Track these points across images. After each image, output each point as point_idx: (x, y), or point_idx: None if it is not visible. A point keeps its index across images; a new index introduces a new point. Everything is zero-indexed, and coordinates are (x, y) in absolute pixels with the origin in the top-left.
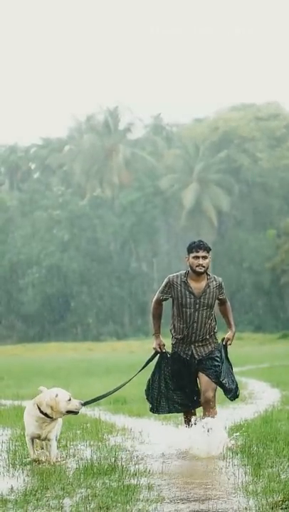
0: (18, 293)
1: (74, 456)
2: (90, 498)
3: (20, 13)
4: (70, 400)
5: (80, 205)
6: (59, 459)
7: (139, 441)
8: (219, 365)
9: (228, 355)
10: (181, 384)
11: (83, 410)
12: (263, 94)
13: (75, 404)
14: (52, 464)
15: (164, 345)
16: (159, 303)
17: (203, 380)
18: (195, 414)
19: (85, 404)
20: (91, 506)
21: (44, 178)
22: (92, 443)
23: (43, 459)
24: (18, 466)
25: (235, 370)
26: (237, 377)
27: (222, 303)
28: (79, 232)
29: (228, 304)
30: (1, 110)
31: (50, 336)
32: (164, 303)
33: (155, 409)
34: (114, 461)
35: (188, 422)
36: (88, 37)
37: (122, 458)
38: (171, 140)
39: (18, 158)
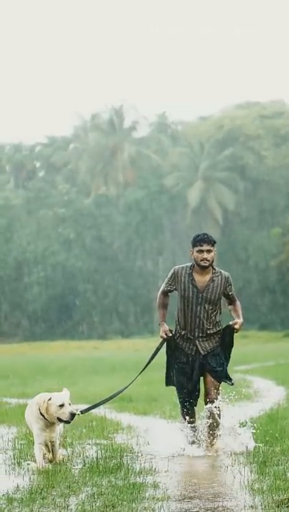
0: (23, 291)
1: (79, 454)
2: (95, 496)
3: (24, 11)
4: (63, 405)
5: (85, 204)
6: (61, 458)
7: (144, 439)
8: (223, 363)
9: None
10: (183, 380)
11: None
12: (268, 93)
13: (66, 413)
14: (58, 463)
15: (170, 330)
16: (164, 294)
17: (208, 381)
18: (194, 417)
19: (83, 412)
20: (97, 504)
21: (49, 176)
22: (97, 441)
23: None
24: (23, 465)
25: (240, 368)
26: (242, 376)
27: (231, 301)
28: (84, 230)
29: (238, 302)
30: (5, 109)
31: (56, 335)
32: (170, 294)
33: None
34: (120, 459)
35: (188, 415)
36: (93, 36)
37: (127, 456)
38: (176, 138)
39: (23, 157)
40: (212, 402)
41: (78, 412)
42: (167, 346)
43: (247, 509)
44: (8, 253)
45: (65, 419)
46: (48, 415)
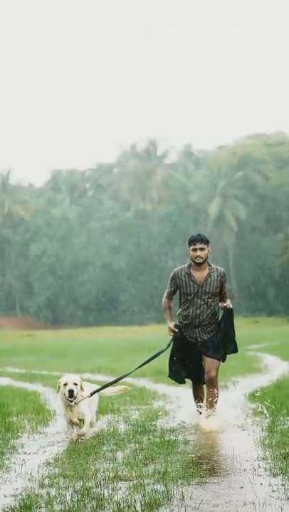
0: (77, 287)
1: (125, 417)
2: (138, 451)
3: (64, 54)
4: (66, 384)
5: (127, 217)
6: (87, 434)
7: (176, 405)
8: (218, 345)
9: (232, 322)
10: (185, 359)
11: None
12: (272, 125)
13: (65, 391)
14: (76, 438)
15: (177, 325)
16: (168, 297)
17: (207, 361)
18: (202, 393)
19: (92, 394)
20: (139, 458)
21: (97, 195)
22: (138, 407)
23: (81, 434)
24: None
25: (253, 347)
26: (254, 353)
27: (224, 296)
28: (126, 238)
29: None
30: (61, 141)
31: (104, 322)
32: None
33: (172, 376)
34: (157, 420)
35: (197, 397)
36: (133, 78)
37: (163, 418)
38: (198, 163)
39: (76, 180)
40: (211, 380)
41: (86, 396)
42: (174, 340)
43: (259, 460)
44: (65, 257)
45: (66, 396)
46: (59, 393)
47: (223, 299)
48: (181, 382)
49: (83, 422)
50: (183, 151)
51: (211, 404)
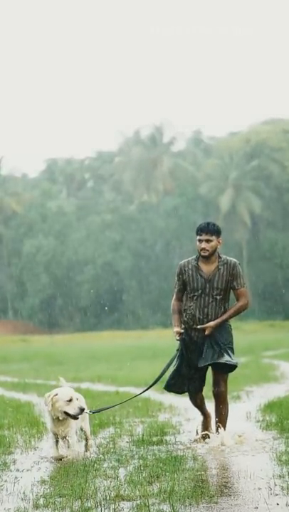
0: (75, 288)
1: (127, 431)
2: (142, 468)
3: (71, 38)
4: (71, 400)
5: (130, 210)
6: (76, 455)
7: (184, 417)
8: (226, 351)
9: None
10: (189, 365)
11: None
12: None
13: (75, 407)
14: (69, 459)
15: (185, 329)
16: (178, 299)
17: (216, 372)
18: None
19: (94, 412)
20: (143, 475)
21: (97, 186)
22: (142, 419)
23: (64, 455)
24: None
25: (269, 353)
26: (270, 360)
27: (236, 296)
28: (128, 233)
29: (240, 303)
30: (57, 127)
31: (104, 326)
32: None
33: (169, 387)
34: (163, 435)
35: (196, 406)
36: (136, 60)
37: (169, 432)
38: (209, 151)
39: (73, 170)
40: (219, 395)
41: (88, 412)
42: (181, 347)
43: (276, 478)
44: (62, 254)
45: (73, 414)
46: (53, 410)
47: (236, 298)
48: (182, 392)
49: (67, 440)
50: (192, 138)
51: (221, 423)
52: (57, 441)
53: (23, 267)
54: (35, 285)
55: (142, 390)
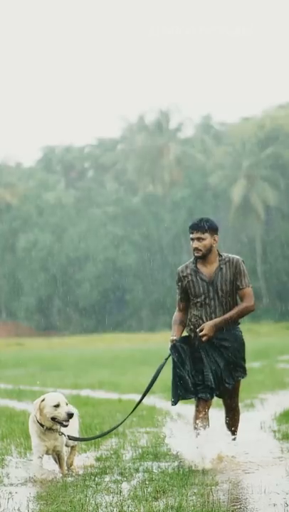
0: (75, 286)
1: (131, 442)
2: (147, 482)
3: (71, 25)
4: (58, 405)
5: (133, 202)
6: (74, 467)
7: (192, 426)
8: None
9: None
10: (194, 369)
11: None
12: None
13: (62, 413)
14: (68, 473)
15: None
16: (180, 310)
17: (225, 386)
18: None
19: (87, 439)
20: (148, 490)
21: (98, 176)
22: (148, 429)
23: (50, 478)
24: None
25: (285, 357)
26: (286, 365)
27: (240, 296)
28: (132, 227)
29: (244, 304)
30: (55, 112)
31: (106, 328)
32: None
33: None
34: (169, 446)
35: (198, 418)
36: (138, 40)
37: (176, 443)
38: (219, 138)
39: (72, 158)
40: (232, 406)
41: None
42: (174, 355)
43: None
44: (59, 250)
45: (61, 419)
46: (41, 417)
47: (240, 298)
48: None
49: (59, 456)
50: (200, 124)
51: (233, 431)
52: (41, 457)
53: (17, 264)
54: (31, 284)
55: (139, 399)
